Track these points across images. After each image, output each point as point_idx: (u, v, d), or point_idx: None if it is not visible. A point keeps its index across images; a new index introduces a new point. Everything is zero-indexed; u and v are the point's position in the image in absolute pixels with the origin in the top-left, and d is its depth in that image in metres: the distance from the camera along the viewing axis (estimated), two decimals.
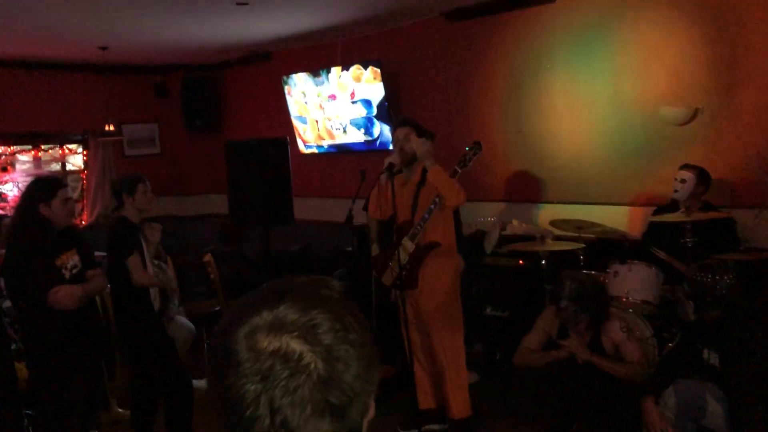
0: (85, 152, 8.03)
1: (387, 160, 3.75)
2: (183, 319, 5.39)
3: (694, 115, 4.58)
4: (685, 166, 4.27)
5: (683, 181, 4.17)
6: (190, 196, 8.59)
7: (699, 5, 4.53)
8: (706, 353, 3.05)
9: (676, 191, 4.18)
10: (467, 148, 3.72)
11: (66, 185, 3.56)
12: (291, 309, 0.82)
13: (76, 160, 8.20)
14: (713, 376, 3.03)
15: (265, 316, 0.82)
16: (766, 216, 3.91)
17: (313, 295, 0.85)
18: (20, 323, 3.83)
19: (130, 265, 3.71)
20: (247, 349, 0.80)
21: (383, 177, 3.76)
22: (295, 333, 0.80)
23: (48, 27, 5.78)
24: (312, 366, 0.79)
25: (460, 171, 3.68)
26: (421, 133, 3.88)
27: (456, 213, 4.26)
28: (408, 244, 3.81)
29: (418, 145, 3.79)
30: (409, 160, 3.85)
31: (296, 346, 0.80)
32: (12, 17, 5.36)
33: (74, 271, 3.42)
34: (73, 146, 8.09)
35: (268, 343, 0.80)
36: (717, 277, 2.99)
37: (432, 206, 3.74)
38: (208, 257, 6.57)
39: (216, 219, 8.16)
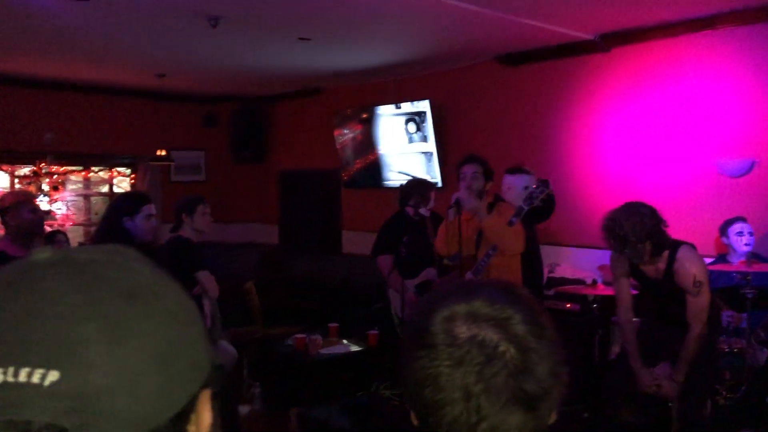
0: (132, 176, 8.21)
1: (454, 196, 3.78)
2: (226, 344, 5.41)
3: (752, 167, 4.57)
4: (740, 219, 4.25)
5: (743, 234, 4.16)
6: (232, 223, 8.70)
7: (753, 58, 4.56)
8: None
9: (747, 245, 4.16)
10: (534, 186, 3.73)
11: (151, 202, 3.65)
12: (486, 302, 0.84)
13: (123, 183, 8.37)
14: None
15: (463, 306, 0.84)
16: None
17: (507, 291, 0.87)
18: None
19: (202, 278, 3.76)
20: (443, 332, 0.83)
21: (451, 212, 3.79)
22: (492, 322, 0.82)
23: (109, 52, 5.98)
24: (507, 355, 0.81)
25: (526, 208, 3.68)
26: (488, 171, 3.91)
27: (535, 253, 4.23)
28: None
29: (468, 202, 3.78)
30: (477, 196, 3.87)
31: (492, 334, 0.82)
32: (75, 41, 5.55)
33: None
34: (121, 169, 8.27)
35: (466, 328, 0.82)
36: None
37: (491, 251, 3.75)
38: (249, 284, 6.66)
39: (258, 247, 8.24)
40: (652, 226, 3.20)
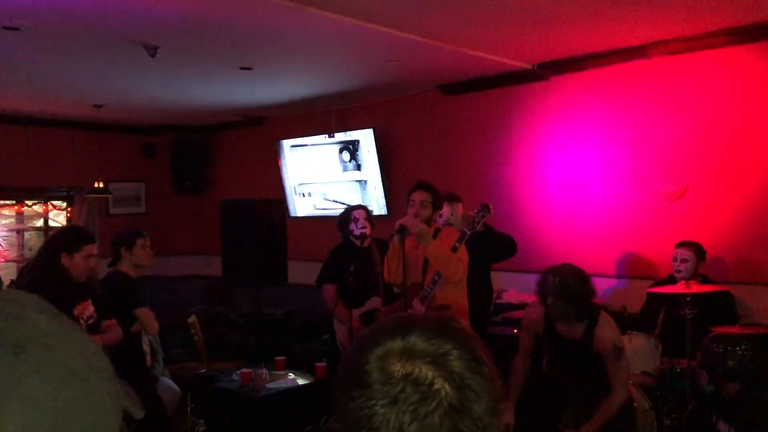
0: (69, 209, 7.94)
1: (398, 222, 3.77)
2: (168, 380, 5.24)
3: (685, 191, 4.72)
4: (682, 244, 4.35)
5: (684, 260, 4.26)
6: (174, 256, 8.49)
7: (684, 86, 4.74)
8: (723, 427, 3.04)
9: (679, 272, 4.26)
10: (475, 212, 3.75)
11: (94, 242, 3.51)
12: (422, 338, 0.82)
13: (59, 217, 8.09)
14: None
15: (398, 342, 0.81)
16: None
17: (443, 326, 0.85)
18: None
19: (141, 315, 3.63)
20: (378, 371, 0.80)
21: (395, 239, 3.77)
22: (427, 359, 0.80)
23: (43, 82, 5.80)
24: (443, 393, 0.78)
25: (468, 233, 3.70)
26: (437, 200, 3.91)
27: (485, 276, 4.24)
28: (418, 307, 3.79)
29: (413, 225, 3.76)
30: (425, 223, 3.86)
31: (428, 371, 0.79)
32: (7, 71, 5.37)
33: (90, 321, 3.35)
34: (57, 202, 8.00)
35: (400, 366, 0.80)
36: (729, 348, 3.01)
37: (436, 277, 3.75)
38: (192, 318, 6.47)
39: (200, 280, 8.05)
40: (589, 292, 3.32)
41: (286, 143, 7.14)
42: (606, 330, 3.34)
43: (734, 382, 2.94)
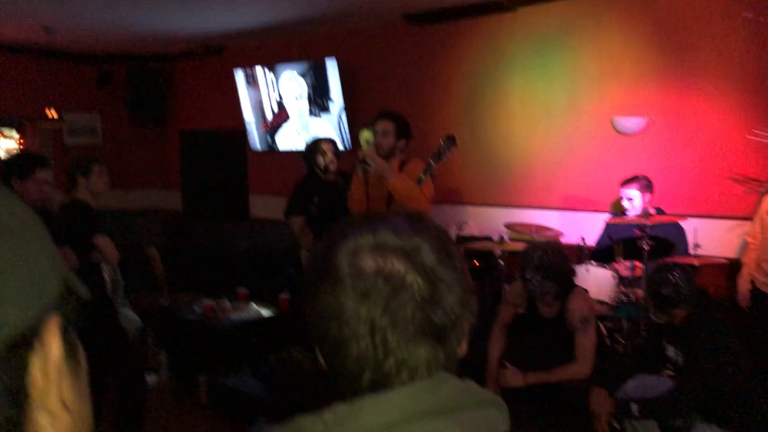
0: (21, 140, 7.67)
1: (361, 153, 3.72)
2: (129, 312, 5.21)
3: (645, 125, 4.76)
4: (627, 182, 4.37)
5: (630, 199, 4.31)
6: (132, 189, 8.32)
7: (653, 21, 4.72)
8: (671, 351, 3.14)
9: (628, 210, 4.32)
10: (441, 141, 3.70)
11: (48, 167, 3.38)
12: (392, 233, 0.80)
13: (9, 145, 7.81)
14: (677, 372, 3.13)
15: (368, 238, 0.80)
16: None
17: (413, 221, 0.83)
18: None
19: (100, 243, 3.55)
20: (348, 266, 0.78)
21: (359, 170, 3.73)
22: (399, 253, 0.78)
23: None
24: (415, 286, 0.77)
25: (434, 165, 3.66)
26: (402, 128, 3.85)
27: None
28: None
29: (372, 159, 3.71)
30: (386, 154, 3.82)
31: (399, 265, 0.78)
32: None
33: None
34: (6, 130, 7.71)
35: (372, 261, 0.78)
36: (669, 277, 3.08)
37: (399, 210, 3.73)
38: (152, 251, 6.40)
39: (160, 214, 7.93)
40: (569, 271, 3.44)
41: (246, 73, 6.95)
42: (576, 301, 3.42)
43: (680, 309, 3.03)
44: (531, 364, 3.44)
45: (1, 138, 7.70)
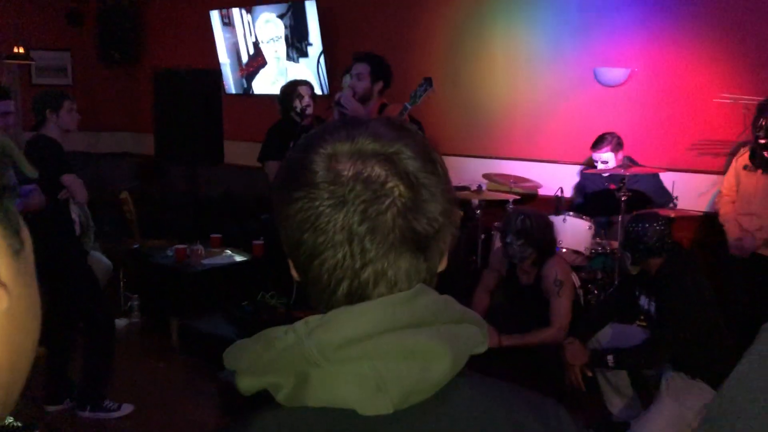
0: None
1: (337, 96, 3.65)
2: (99, 254, 5.12)
3: (627, 76, 4.72)
4: (599, 146, 4.31)
5: (605, 162, 4.29)
6: (103, 132, 8.12)
7: None
8: (644, 301, 3.16)
9: (604, 174, 4.30)
10: (418, 85, 3.64)
11: (8, 98, 3.24)
12: (372, 138, 0.75)
13: None
14: (649, 322, 3.16)
15: (347, 144, 0.74)
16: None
17: (394, 127, 0.78)
18: None
19: (69, 182, 3.45)
20: (325, 170, 0.73)
21: (335, 113, 3.66)
22: (379, 158, 0.73)
23: None
24: (396, 191, 0.72)
25: (410, 107, 3.60)
26: (378, 71, 3.76)
27: None
28: None
29: (347, 101, 3.65)
30: (362, 97, 3.74)
31: (380, 170, 0.72)
32: None
33: (16, 191, 3.13)
34: None
35: (350, 165, 0.72)
36: (647, 226, 3.09)
37: None
38: (124, 195, 6.28)
39: (132, 157, 7.77)
40: (550, 238, 3.46)
41: (221, 14, 6.75)
42: (551, 265, 3.42)
43: (654, 259, 3.05)
44: (507, 329, 3.45)
45: None
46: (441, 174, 0.77)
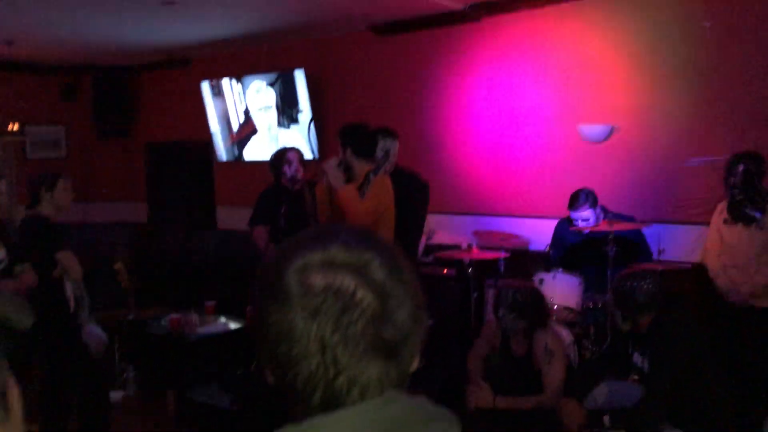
0: None
1: (321, 166, 3.77)
2: (94, 327, 5.10)
3: (611, 132, 4.83)
4: (576, 205, 4.31)
5: (586, 219, 4.33)
6: (98, 202, 8.19)
7: (614, 29, 4.80)
8: (637, 358, 3.17)
9: (586, 230, 4.34)
10: (380, 155, 3.82)
11: (2, 177, 3.32)
12: (342, 248, 0.80)
13: None
14: (642, 378, 3.16)
15: (318, 254, 0.79)
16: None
17: (363, 237, 0.83)
18: None
19: (63, 259, 3.50)
20: (297, 284, 0.77)
21: (323, 181, 3.77)
22: (349, 269, 0.78)
23: None
24: (365, 302, 0.77)
25: (373, 177, 3.74)
26: (347, 141, 3.86)
27: (414, 219, 4.29)
28: None
29: (328, 168, 3.76)
30: (346, 166, 3.83)
31: (350, 281, 0.77)
32: None
33: (1, 266, 3.18)
34: None
35: (321, 277, 0.77)
36: (636, 284, 3.12)
37: None
38: (119, 265, 6.30)
39: (127, 227, 7.83)
40: (543, 311, 3.49)
41: (212, 84, 6.91)
42: (542, 337, 3.43)
43: (645, 316, 3.07)
44: (501, 392, 3.44)
45: None
46: (409, 281, 0.81)
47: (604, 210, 4.36)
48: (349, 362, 0.76)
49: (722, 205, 3.92)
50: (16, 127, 6.90)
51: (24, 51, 6.77)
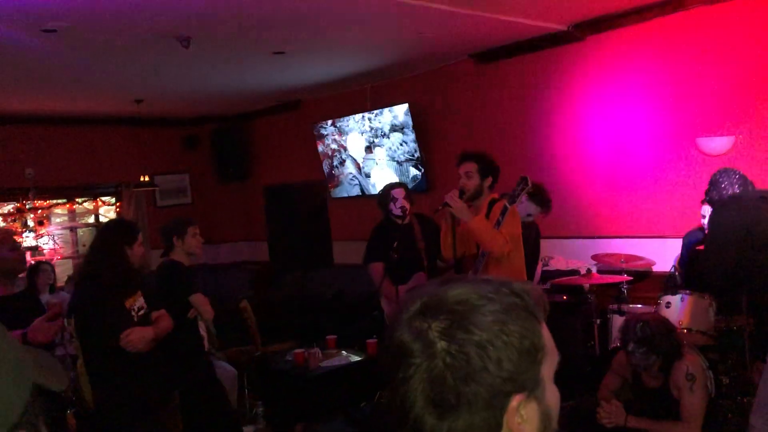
0: (117, 204, 8.15)
1: (446, 198, 3.76)
2: (224, 363, 5.37)
3: (732, 143, 4.58)
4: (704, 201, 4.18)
5: (703, 216, 4.12)
6: (222, 244, 8.65)
7: (736, 36, 4.58)
8: None
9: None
10: (516, 183, 3.72)
11: (140, 230, 3.58)
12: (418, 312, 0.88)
13: (109, 213, 8.31)
14: None
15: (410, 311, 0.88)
16: None
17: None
18: (87, 366, 3.66)
19: (196, 301, 3.72)
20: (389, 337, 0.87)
21: (446, 214, 3.80)
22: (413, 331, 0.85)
23: (83, 81, 5.93)
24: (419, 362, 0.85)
25: (509, 207, 3.68)
26: (486, 168, 3.87)
27: (533, 247, 4.25)
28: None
29: (453, 201, 3.74)
30: (471, 195, 3.84)
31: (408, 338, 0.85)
32: (47, 73, 5.51)
33: (140, 312, 3.39)
34: (106, 198, 8.22)
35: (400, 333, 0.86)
36: None
37: (483, 252, 3.75)
38: (244, 303, 6.60)
39: (249, 266, 8.20)
40: (675, 343, 3.27)
41: (321, 125, 7.16)
42: (682, 364, 3.25)
43: None
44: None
45: (103, 205, 8.22)
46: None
47: None
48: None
49: None
50: (146, 178, 7.43)
51: (151, 107, 7.31)
